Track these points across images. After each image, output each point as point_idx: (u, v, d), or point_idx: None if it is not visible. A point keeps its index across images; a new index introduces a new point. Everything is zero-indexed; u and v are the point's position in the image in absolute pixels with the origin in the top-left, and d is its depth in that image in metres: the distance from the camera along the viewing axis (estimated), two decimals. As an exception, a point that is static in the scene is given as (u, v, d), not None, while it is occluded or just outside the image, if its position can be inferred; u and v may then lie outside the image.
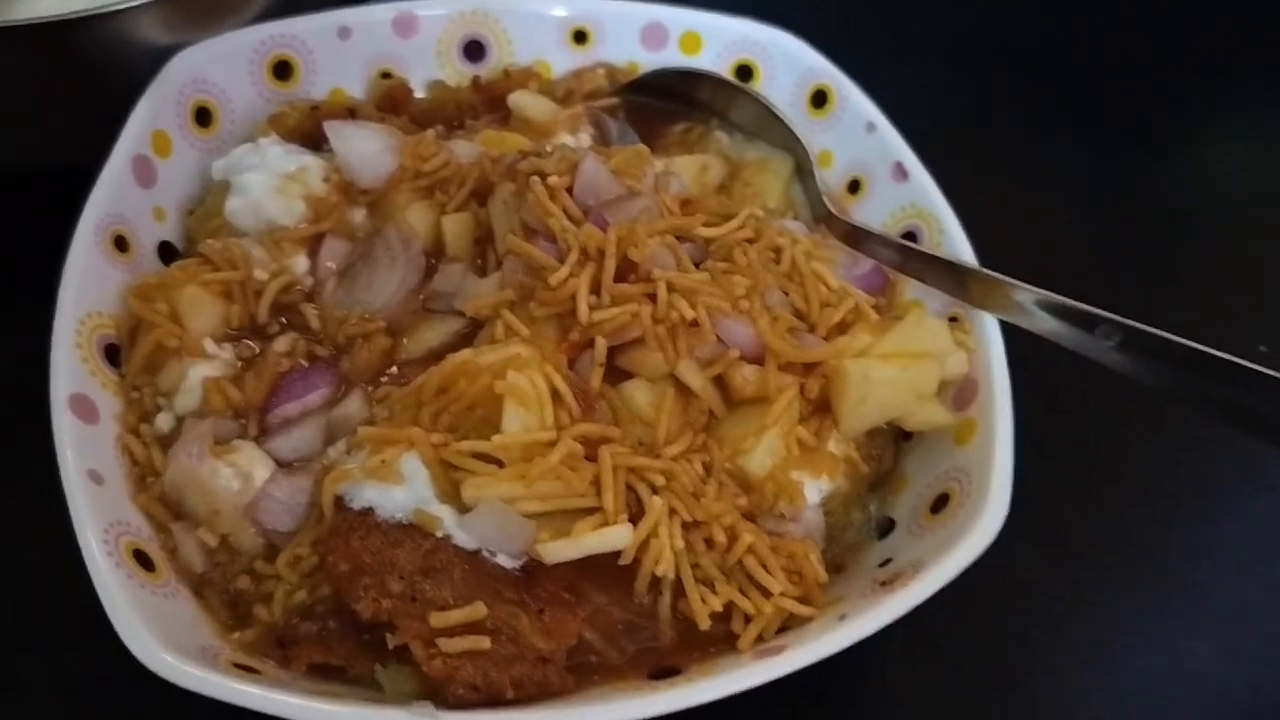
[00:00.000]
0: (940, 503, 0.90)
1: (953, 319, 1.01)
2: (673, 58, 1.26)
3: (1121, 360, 0.89)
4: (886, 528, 0.95)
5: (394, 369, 0.96)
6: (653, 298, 0.90)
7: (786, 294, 0.97)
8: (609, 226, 0.92)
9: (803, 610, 0.84)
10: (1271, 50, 1.73)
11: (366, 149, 1.02)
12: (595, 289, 0.90)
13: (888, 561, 0.89)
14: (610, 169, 0.98)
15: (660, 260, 0.92)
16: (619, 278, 0.90)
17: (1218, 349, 0.84)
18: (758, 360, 0.91)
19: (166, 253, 1.05)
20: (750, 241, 0.99)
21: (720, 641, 0.84)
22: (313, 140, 1.10)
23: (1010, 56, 1.65)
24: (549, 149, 1.04)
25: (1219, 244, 1.43)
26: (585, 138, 1.16)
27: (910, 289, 1.06)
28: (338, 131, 1.03)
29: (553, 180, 0.94)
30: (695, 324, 0.89)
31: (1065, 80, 1.64)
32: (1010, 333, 0.97)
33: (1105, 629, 1.01)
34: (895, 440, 1.00)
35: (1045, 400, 0.96)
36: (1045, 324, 0.93)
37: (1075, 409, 1.14)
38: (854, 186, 1.18)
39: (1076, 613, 1.01)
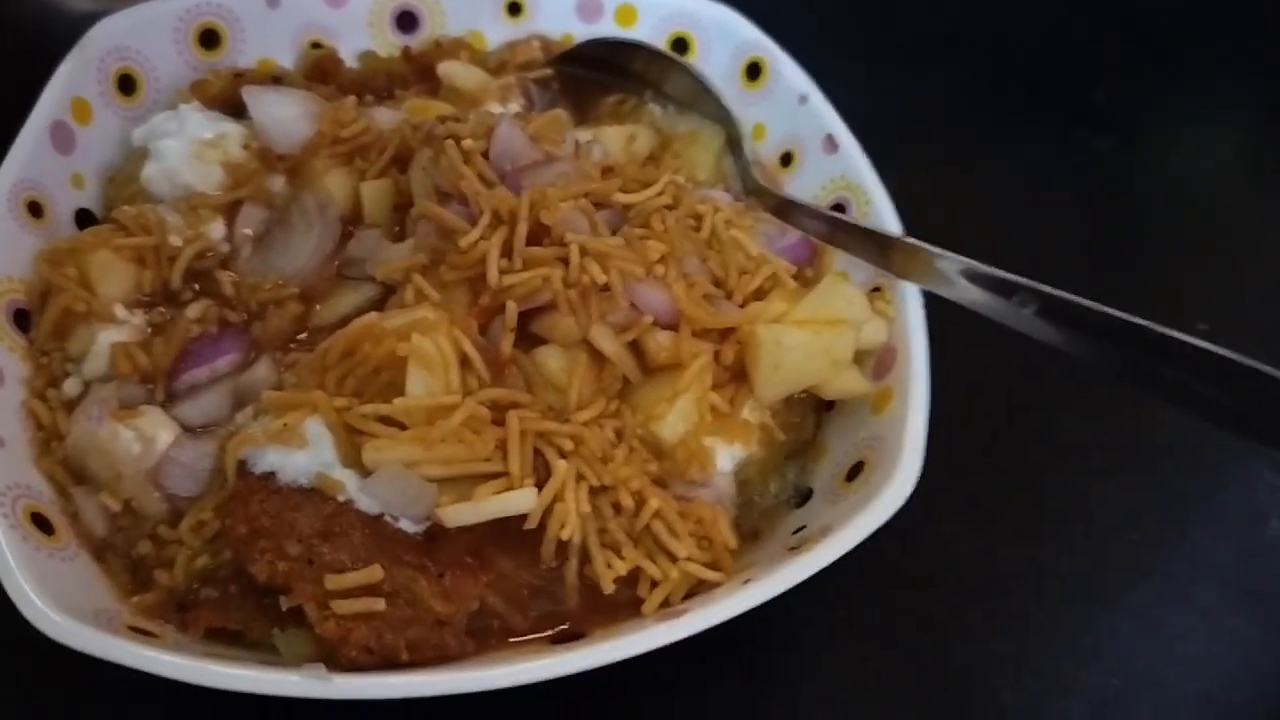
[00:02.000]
0: (855, 470, 0.89)
1: (876, 289, 1.00)
2: (608, 30, 1.25)
3: (1043, 328, 0.87)
4: (806, 496, 0.94)
5: (305, 335, 0.95)
6: (565, 262, 0.88)
7: (705, 261, 0.96)
8: (523, 190, 0.90)
9: (710, 575, 0.83)
10: (1221, 37, 1.72)
11: (284, 114, 1.01)
12: (507, 253, 0.88)
13: (802, 528, 0.88)
14: (529, 134, 0.96)
15: (574, 224, 0.90)
16: (532, 242, 0.89)
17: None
18: (672, 326, 0.90)
19: (85, 220, 1.03)
20: (670, 208, 0.97)
21: (627, 607, 0.83)
22: (235, 108, 1.08)
23: (953, 35, 1.64)
24: (470, 116, 1.03)
25: (1162, 224, 1.41)
26: (515, 107, 1.14)
27: (838, 260, 1.04)
28: (255, 97, 1.02)
29: (467, 144, 0.93)
30: (607, 288, 0.88)
31: (1009, 59, 1.62)
32: (938, 305, 0.95)
33: (1025, 599, 1.00)
34: (816, 410, 0.99)
35: (970, 371, 0.95)
36: (967, 293, 0.91)
37: (1000, 379, 1.13)
38: (786, 159, 1.17)
39: (996, 583, 1.00)
